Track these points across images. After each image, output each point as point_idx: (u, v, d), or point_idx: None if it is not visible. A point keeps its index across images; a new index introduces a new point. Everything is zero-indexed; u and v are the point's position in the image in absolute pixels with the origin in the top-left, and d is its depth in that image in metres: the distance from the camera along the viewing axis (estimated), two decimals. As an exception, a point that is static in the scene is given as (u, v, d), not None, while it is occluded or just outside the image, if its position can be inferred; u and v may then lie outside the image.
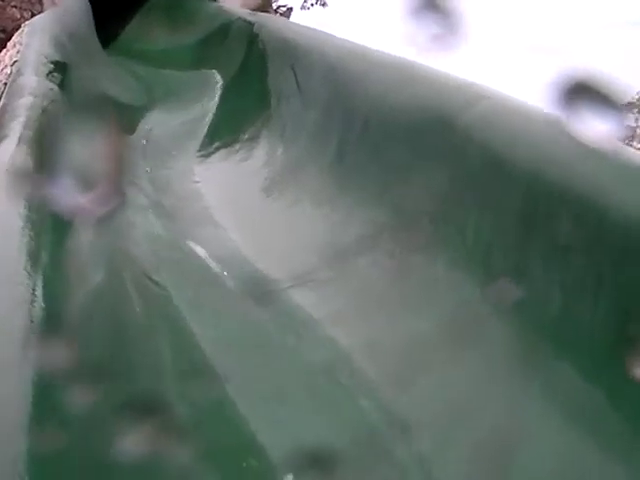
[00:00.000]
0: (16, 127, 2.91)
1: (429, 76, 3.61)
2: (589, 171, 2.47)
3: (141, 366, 2.33)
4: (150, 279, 3.00)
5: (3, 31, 7.11)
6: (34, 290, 2.14)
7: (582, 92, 1.81)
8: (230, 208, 4.13)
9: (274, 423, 2.42)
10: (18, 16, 7.32)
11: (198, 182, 4.66)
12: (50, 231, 2.61)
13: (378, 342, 2.78)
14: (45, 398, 1.70)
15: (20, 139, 2.79)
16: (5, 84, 3.68)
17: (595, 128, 1.83)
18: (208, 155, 5.07)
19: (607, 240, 2.26)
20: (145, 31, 8.13)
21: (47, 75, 3.55)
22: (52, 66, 3.74)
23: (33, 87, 3.37)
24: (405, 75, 3.80)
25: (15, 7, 7.77)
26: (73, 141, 3.29)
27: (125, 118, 5.63)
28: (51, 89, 3.42)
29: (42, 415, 1.64)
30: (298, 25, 6.75)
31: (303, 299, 3.15)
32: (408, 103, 3.60)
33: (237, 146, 5.06)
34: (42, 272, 2.31)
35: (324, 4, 19.55)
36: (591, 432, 2.07)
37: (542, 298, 2.40)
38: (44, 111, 3.11)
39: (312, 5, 19.18)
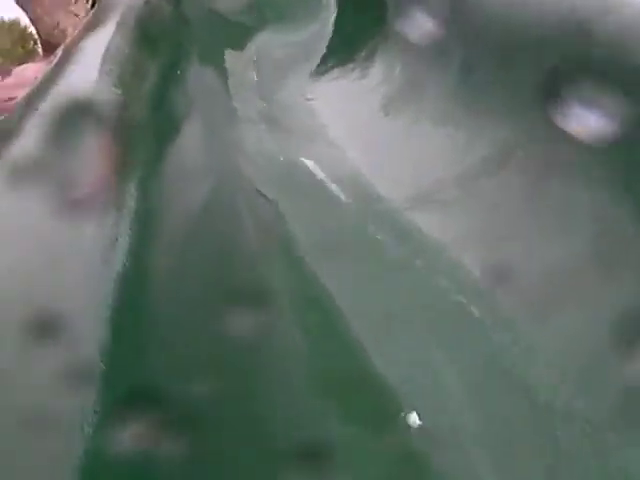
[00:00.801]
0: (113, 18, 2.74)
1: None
2: None
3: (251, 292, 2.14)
4: (262, 195, 2.81)
5: None
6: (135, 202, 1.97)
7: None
8: (345, 126, 3.91)
9: (393, 354, 2.21)
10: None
11: (312, 99, 4.45)
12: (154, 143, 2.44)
13: (512, 269, 2.54)
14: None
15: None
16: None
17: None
18: (323, 73, 4.85)
19: None
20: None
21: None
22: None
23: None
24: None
25: None
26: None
27: (235, 36, 5.47)
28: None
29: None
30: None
31: (425, 221, 2.92)
32: (535, 15, 3.32)
33: (353, 64, 4.83)
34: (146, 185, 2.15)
35: None
36: None
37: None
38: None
39: None
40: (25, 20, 17.94)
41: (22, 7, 14.87)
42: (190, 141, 2.47)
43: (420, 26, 4.54)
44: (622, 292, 2.24)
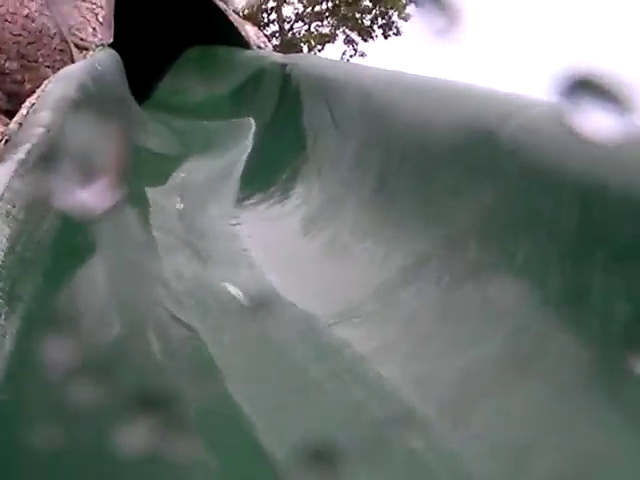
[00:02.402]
0: (19, 153, 2.73)
1: (467, 92, 3.42)
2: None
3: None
4: (179, 321, 2.79)
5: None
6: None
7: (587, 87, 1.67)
8: (267, 249, 3.94)
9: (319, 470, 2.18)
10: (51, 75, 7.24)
11: (234, 225, 4.48)
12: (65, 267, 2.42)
13: (430, 377, 2.54)
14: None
15: (20, 163, 2.61)
16: (20, 124, 3.51)
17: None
18: (244, 199, 4.91)
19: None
20: (180, 84, 8.13)
21: (65, 113, 3.38)
22: (73, 106, 3.58)
23: (46, 121, 3.19)
24: (442, 95, 3.63)
25: (48, 67, 7.72)
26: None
27: (159, 167, 5.51)
28: (67, 125, 3.24)
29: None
30: (330, 60, 6.66)
31: (348, 335, 2.93)
32: (447, 123, 3.42)
33: (274, 188, 4.91)
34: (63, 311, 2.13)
35: (363, 54, 19.68)
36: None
37: (607, 312, 2.16)
38: (52, 140, 2.93)
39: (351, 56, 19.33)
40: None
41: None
42: (95, 277, 2.47)
43: (337, 146, 4.64)
44: (539, 385, 2.25)
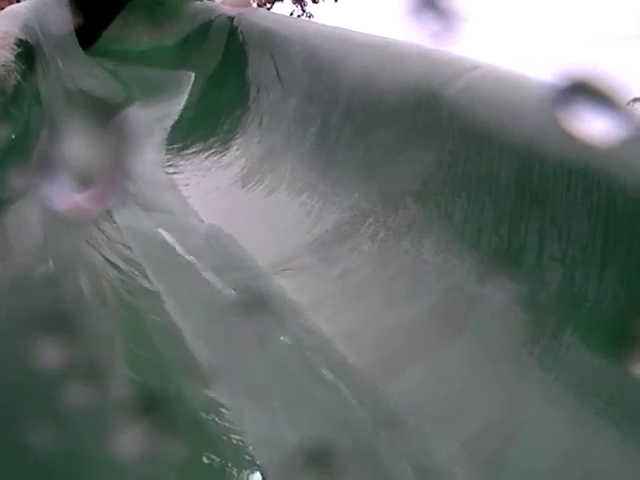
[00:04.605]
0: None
1: (413, 52, 3.41)
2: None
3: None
4: (112, 264, 2.75)
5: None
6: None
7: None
8: (204, 198, 3.91)
9: (252, 420, 2.17)
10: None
11: (172, 173, 4.44)
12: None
13: (363, 330, 2.54)
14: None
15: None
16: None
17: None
18: (183, 148, 4.86)
19: (611, 207, 2.03)
20: (126, 32, 8.00)
21: (11, 50, 3.29)
22: (18, 45, 3.49)
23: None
24: (388, 53, 3.61)
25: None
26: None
27: (98, 112, 5.42)
28: (15, 62, 3.16)
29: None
30: (278, 15, 6.61)
31: (281, 287, 2.92)
32: (391, 82, 3.41)
33: (214, 138, 4.87)
34: None
35: (310, 15, 19.54)
36: (600, 415, 1.84)
37: (541, 275, 2.17)
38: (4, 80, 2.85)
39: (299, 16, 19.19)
40: None
41: None
42: (32, 223, 2.41)
43: (280, 99, 4.61)
44: (470, 342, 2.27)
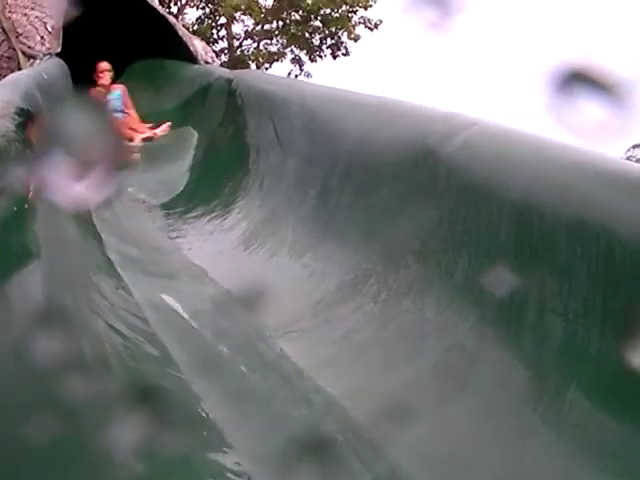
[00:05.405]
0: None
1: (410, 110, 3.45)
2: (584, 190, 2.27)
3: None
4: (116, 331, 2.75)
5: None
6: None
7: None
8: (207, 262, 3.91)
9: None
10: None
11: (174, 238, 4.45)
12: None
13: (366, 390, 2.54)
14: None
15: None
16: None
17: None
18: (185, 212, 4.90)
19: (610, 260, 2.04)
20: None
21: (12, 120, 3.32)
22: (19, 115, 3.52)
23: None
24: (385, 112, 3.66)
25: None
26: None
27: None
28: (15, 132, 3.18)
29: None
30: (275, 76, 6.67)
31: (285, 349, 2.92)
32: (389, 141, 3.44)
33: (216, 201, 4.91)
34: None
35: (308, 75, 19.71)
36: (605, 471, 1.83)
37: (543, 330, 2.17)
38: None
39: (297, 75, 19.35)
40: None
41: None
42: (31, 285, 2.42)
43: (280, 161, 4.64)
44: (472, 401, 2.26)
